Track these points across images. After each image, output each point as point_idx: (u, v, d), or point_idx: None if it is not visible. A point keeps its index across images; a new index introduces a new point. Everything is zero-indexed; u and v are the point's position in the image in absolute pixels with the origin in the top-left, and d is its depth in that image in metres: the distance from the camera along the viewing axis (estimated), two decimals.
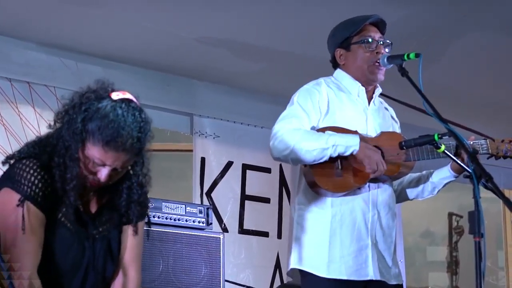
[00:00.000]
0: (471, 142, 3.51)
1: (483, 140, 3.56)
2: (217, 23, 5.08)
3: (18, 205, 2.69)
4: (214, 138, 6.18)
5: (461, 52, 5.45)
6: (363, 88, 3.62)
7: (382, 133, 3.57)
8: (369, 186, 3.50)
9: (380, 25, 3.66)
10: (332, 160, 3.41)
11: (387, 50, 3.59)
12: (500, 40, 5.25)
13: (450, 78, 5.82)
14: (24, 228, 2.67)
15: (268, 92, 6.06)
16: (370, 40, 3.57)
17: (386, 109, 3.77)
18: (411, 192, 3.78)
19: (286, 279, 6.05)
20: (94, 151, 2.68)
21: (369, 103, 3.63)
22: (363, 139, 3.44)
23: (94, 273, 2.87)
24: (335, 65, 3.71)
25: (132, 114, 2.70)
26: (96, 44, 5.43)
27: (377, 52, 3.56)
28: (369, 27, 3.62)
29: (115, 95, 2.75)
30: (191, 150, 6.14)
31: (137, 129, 2.70)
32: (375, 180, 3.49)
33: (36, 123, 5.24)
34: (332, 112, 3.53)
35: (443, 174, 3.65)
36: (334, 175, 3.44)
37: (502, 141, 3.59)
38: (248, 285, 6.06)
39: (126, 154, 2.70)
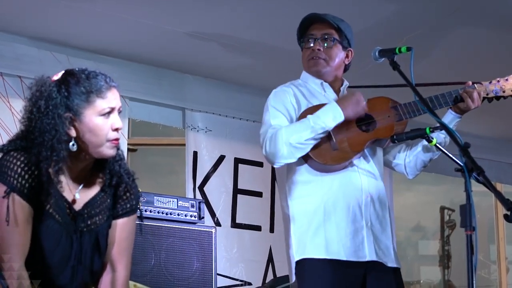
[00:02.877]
0: (466, 87, 3.58)
1: (472, 86, 3.60)
2: (208, 18, 5.07)
3: (4, 197, 2.69)
4: (206, 132, 6.18)
5: (452, 47, 5.46)
6: (327, 84, 3.69)
7: (369, 100, 3.60)
8: (358, 173, 3.51)
9: (319, 20, 3.70)
10: None
11: (325, 44, 3.65)
12: (490, 35, 5.26)
13: (440, 73, 5.81)
14: (9, 220, 2.68)
15: (260, 86, 6.06)
16: (307, 39, 3.68)
17: None
18: (425, 155, 3.73)
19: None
20: (99, 107, 2.78)
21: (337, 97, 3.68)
22: (340, 101, 3.48)
23: (82, 267, 2.87)
24: None
25: (84, 68, 2.85)
26: (88, 39, 5.42)
27: (312, 50, 3.65)
28: (312, 27, 3.70)
29: (57, 76, 2.84)
30: (184, 144, 6.14)
31: (98, 71, 2.85)
32: (374, 142, 3.55)
33: None
34: (302, 109, 3.57)
35: (448, 119, 3.61)
36: (330, 148, 3.45)
37: (490, 82, 3.63)
38: (241, 279, 6.07)
39: (116, 89, 2.85)
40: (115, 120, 2.83)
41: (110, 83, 2.83)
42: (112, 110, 2.82)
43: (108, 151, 2.84)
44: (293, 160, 3.47)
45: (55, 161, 2.73)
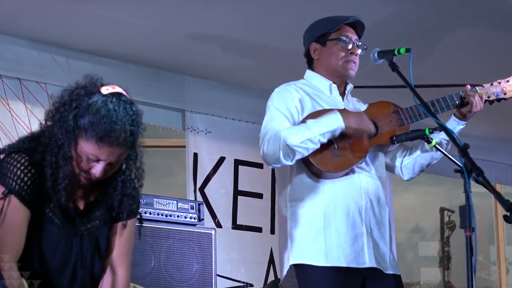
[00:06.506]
0: (467, 90, 3.57)
1: (473, 89, 3.59)
2: (207, 19, 5.07)
3: (1, 198, 2.69)
4: (206, 134, 6.18)
5: (451, 48, 5.46)
6: (335, 85, 3.66)
7: (370, 104, 3.61)
8: (359, 177, 3.51)
9: (358, 27, 3.69)
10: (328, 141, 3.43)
11: (360, 51, 3.63)
12: (490, 36, 5.26)
13: (440, 74, 5.82)
14: (2, 221, 2.67)
15: (259, 87, 6.04)
16: (346, 39, 3.61)
17: (359, 101, 3.79)
18: (424, 158, 3.72)
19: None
20: (87, 147, 2.68)
21: (342, 100, 3.67)
22: (344, 112, 3.46)
23: (82, 270, 2.86)
24: (309, 59, 3.73)
25: (123, 108, 2.71)
26: (87, 41, 5.42)
27: (351, 53, 3.61)
28: (347, 28, 3.65)
29: (105, 90, 2.74)
30: (184, 146, 6.15)
31: (129, 123, 2.70)
32: (376, 148, 3.53)
33: (27, 119, 5.23)
34: (307, 110, 3.54)
35: (451, 126, 3.53)
36: (332, 155, 3.44)
37: (491, 84, 3.62)
38: (242, 280, 6.07)
39: (120, 148, 2.71)
40: (98, 170, 2.72)
41: (119, 141, 2.68)
42: (98, 160, 2.72)
43: (82, 179, 2.78)
44: (290, 163, 3.44)
45: (62, 178, 2.70)
